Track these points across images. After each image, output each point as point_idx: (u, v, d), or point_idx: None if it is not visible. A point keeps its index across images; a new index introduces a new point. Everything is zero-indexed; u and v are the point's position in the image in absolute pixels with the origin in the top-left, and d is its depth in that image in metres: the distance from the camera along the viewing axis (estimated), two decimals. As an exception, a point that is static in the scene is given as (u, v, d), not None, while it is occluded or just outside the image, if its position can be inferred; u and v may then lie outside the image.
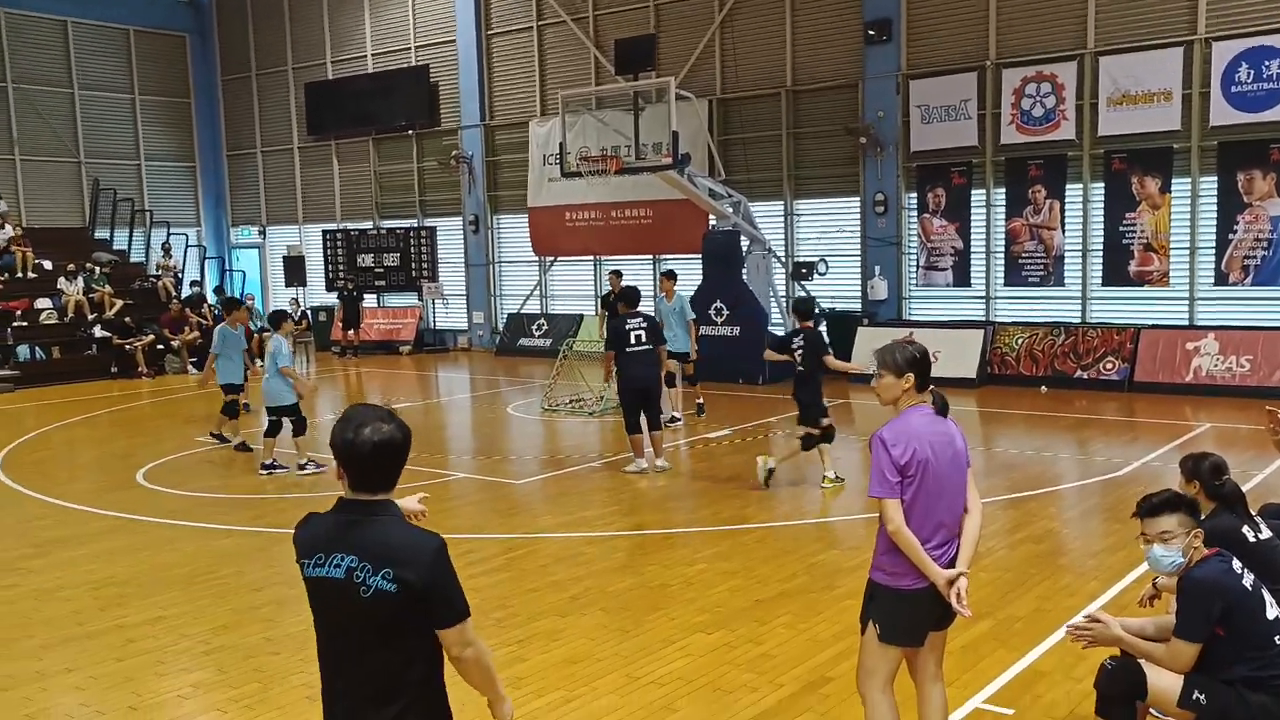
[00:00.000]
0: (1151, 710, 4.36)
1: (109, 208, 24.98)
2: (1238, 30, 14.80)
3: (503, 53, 22.63)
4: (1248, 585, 4.04)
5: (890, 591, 4.12)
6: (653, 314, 12.07)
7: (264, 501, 10.18)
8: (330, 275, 25.45)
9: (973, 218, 17.12)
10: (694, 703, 5.37)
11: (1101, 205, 16.04)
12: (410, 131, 24.10)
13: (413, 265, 24.37)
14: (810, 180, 18.95)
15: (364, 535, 2.93)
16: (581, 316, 21.42)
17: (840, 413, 14.54)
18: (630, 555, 8.06)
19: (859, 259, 18.24)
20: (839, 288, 18.53)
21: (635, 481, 10.46)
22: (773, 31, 18.91)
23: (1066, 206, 16.35)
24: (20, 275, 21.78)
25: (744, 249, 17.88)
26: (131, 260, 24.83)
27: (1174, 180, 15.47)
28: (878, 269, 17.84)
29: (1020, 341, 16.28)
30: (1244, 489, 4.81)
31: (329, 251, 25.50)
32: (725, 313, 17.21)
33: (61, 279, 21.59)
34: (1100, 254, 16.12)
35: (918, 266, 17.75)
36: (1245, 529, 4.55)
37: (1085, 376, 15.61)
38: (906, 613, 4.11)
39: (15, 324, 20.56)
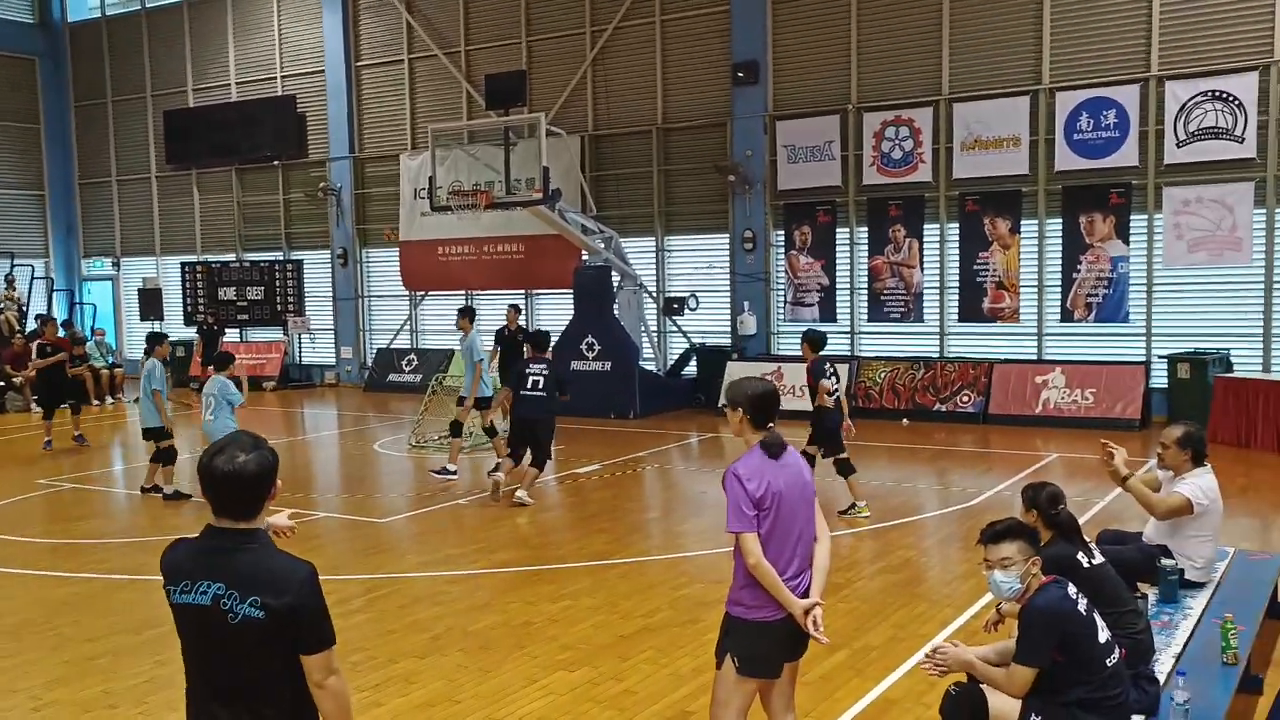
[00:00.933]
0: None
1: (-53, 237, 23.67)
2: (1079, 81, 15.66)
3: (373, 85, 22.34)
4: (1082, 610, 4.21)
5: (749, 625, 4.18)
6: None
7: (106, 546, 9.66)
8: (189, 309, 24.55)
9: (837, 255, 17.60)
10: (553, 743, 5.30)
11: (957, 245, 16.69)
12: (276, 162, 23.52)
13: (278, 299, 23.69)
14: (681, 217, 19.22)
15: (231, 563, 2.95)
16: (452, 352, 21.12)
17: (706, 446, 14.69)
18: (493, 593, 7.93)
19: (729, 294, 18.54)
20: (709, 323, 18.79)
21: (502, 519, 10.32)
22: (644, 70, 19.17)
23: (925, 245, 16.95)
24: None
25: (615, 284, 17.99)
26: (-30, 293, 23.49)
27: (1023, 221, 16.21)
28: (747, 304, 18.15)
29: (883, 375, 16.75)
30: (1086, 516, 5.03)
31: (188, 284, 24.61)
32: (597, 348, 17.23)
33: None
34: (956, 291, 16.75)
35: (785, 302, 18.14)
36: (1080, 555, 4.77)
37: (944, 409, 16.15)
38: (765, 645, 4.18)
39: None
